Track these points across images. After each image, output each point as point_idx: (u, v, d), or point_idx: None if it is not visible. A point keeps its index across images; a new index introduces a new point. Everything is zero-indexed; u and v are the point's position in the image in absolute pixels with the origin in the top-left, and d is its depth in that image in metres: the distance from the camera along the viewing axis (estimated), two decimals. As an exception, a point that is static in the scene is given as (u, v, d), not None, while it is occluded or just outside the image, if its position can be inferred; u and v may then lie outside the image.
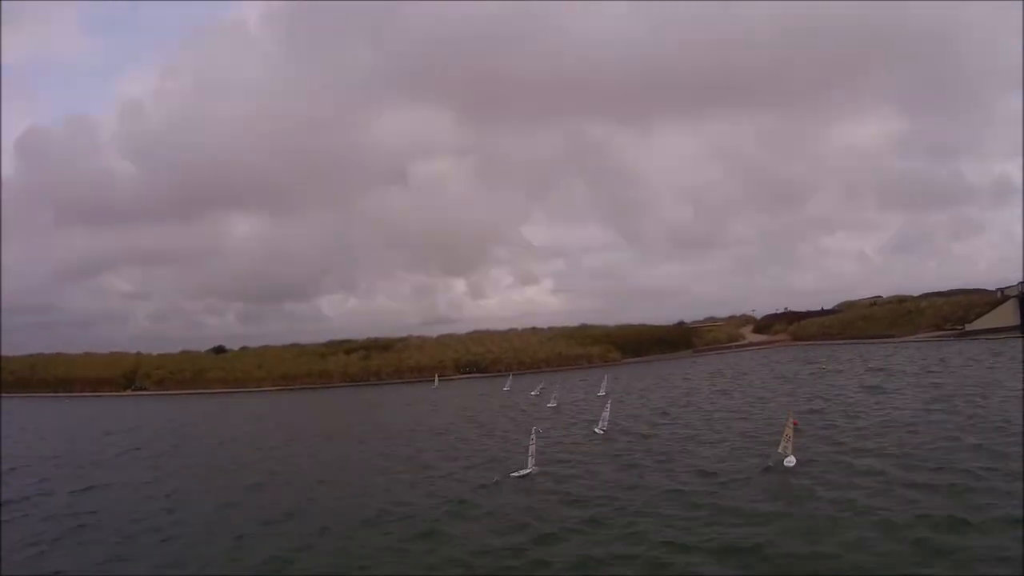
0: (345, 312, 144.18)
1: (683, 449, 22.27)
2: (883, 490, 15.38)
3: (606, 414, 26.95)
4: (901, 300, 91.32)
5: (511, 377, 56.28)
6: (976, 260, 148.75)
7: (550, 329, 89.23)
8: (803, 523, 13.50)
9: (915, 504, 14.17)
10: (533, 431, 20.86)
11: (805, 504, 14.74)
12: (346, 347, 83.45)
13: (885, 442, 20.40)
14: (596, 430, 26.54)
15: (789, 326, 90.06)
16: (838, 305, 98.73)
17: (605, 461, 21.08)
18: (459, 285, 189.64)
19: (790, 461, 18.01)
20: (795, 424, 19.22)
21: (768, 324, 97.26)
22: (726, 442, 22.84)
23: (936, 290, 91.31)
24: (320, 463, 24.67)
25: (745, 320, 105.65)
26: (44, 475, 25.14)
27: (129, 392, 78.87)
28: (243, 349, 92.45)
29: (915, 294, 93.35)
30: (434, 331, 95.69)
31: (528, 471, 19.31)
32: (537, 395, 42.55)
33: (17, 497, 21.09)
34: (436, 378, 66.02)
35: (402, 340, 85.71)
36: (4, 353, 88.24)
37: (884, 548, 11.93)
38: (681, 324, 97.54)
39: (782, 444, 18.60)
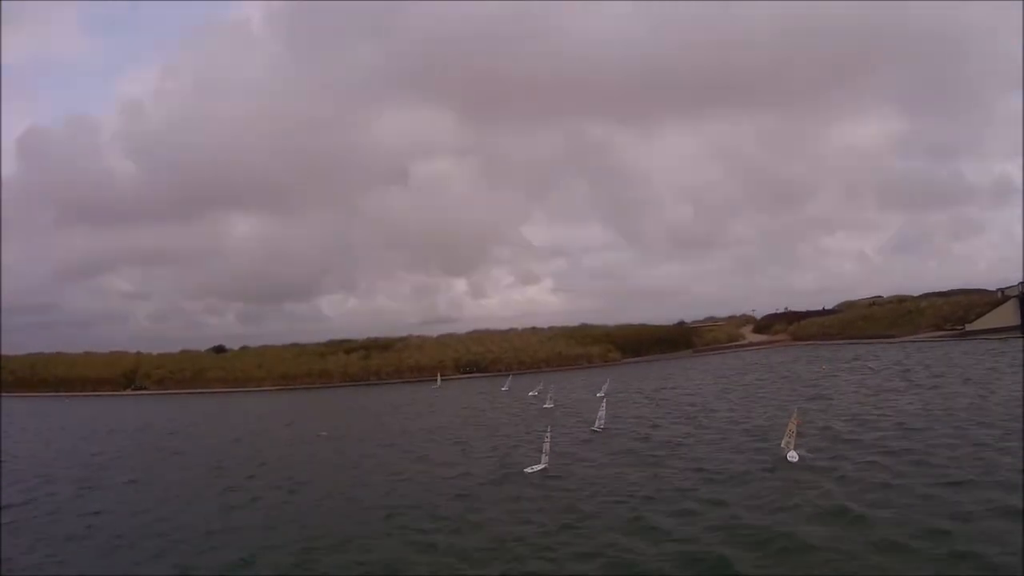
0: (345, 312, 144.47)
1: (686, 446, 22.35)
2: (887, 484, 15.50)
3: (602, 412, 27.34)
4: (901, 300, 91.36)
5: (510, 377, 56.15)
6: (976, 260, 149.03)
7: (550, 329, 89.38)
8: (808, 516, 13.66)
9: (919, 498, 14.30)
10: (548, 428, 21.19)
11: (810, 499, 14.84)
12: (346, 347, 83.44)
13: (888, 439, 20.52)
14: (594, 428, 26.80)
15: (789, 326, 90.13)
16: (838, 305, 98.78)
17: (608, 458, 21.16)
18: (459, 285, 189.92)
19: (793, 457, 18.20)
20: (798, 424, 19.38)
21: (768, 324, 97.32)
22: (728, 439, 22.96)
23: (936, 290, 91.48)
24: (328, 463, 24.47)
25: (745, 320, 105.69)
26: (48, 476, 24.94)
27: (129, 391, 78.89)
28: (243, 349, 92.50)
29: (915, 294, 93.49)
30: (434, 331, 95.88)
31: (542, 467, 19.58)
32: (536, 395, 42.47)
33: (22, 499, 20.80)
34: (439, 378, 66.07)
35: (402, 340, 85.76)
36: (4, 353, 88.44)
37: (889, 541, 12.04)
38: (681, 324, 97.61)
39: (785, 440, 18.80)
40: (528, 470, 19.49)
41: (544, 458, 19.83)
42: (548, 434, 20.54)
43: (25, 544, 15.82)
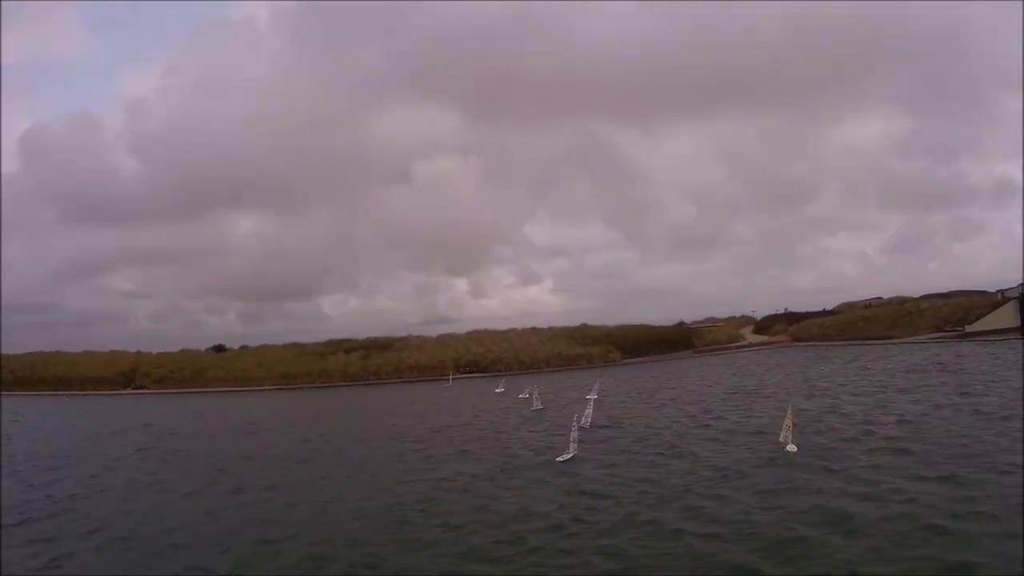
0: (346, 312, 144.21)
1: (690, 436, 23.58)
2: (878, 469, 16.48)
3: (589, 411, 28.61)
4: (902, 301, 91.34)
5: (505, 379, 55.03)
6: (976, 261, 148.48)
7: (550, 329, 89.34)
8: (808, 496, 14.86)
9: (908, 482, 15.31)
10: (574, 420, 22.92)
11: (807, 484, 15.91)
12: (346, 346, 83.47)
13: (882, 432, 21.26)
14: (581, 424, 27.28)
15: (789, 327, 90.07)
16: (838, 306, 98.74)
17: (600, 450, 22.14)
18: (461, 284, 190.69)
19: (791, 448, 19.28)
20: (795, 424, 20.72)
21: (768, 325, 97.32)
22: (733, 430, 24.12)
23: (936, 291, 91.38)
24: (356, 461, 24.22)
25: (745, 321, 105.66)
26: (61, 476, 24.41)
27: (129, 391, 78.86)
28: (243, 348, 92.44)
29: (915, 295, 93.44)
30: (435, 331, 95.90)
31: (571, 455, 20.98)
32: (525, 397, 41.56)
33: (37, 499, 20.38)
34: (451, 377, 66.03)
35: (402, 340, 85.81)
36: (4, 352, 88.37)
37: (872, 520, 12.91)
38: (681, 324, 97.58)
39: (783, 434, 19.84)
40: (559, 459, 20.86)
41: (573, 447, 21.29)
42: (575, 426, 22.07)
43: (39, 546, 15.46)
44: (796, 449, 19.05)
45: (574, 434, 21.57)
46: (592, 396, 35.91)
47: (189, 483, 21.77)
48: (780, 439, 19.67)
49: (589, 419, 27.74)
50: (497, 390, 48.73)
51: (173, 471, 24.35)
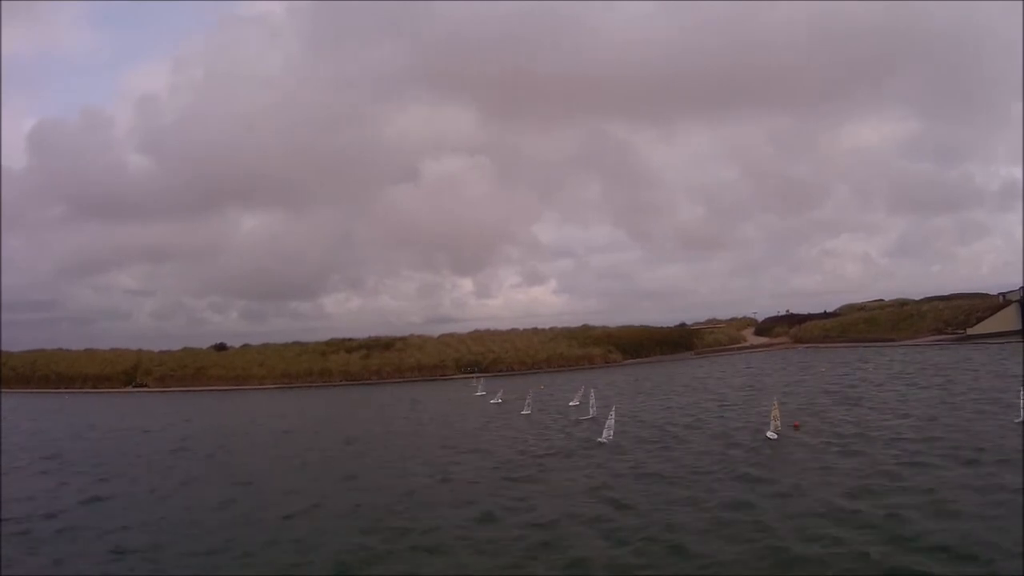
0: (349, 311, 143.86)
1: (693, 429, 25.78)
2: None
3: (593, 402, 31.24)
4: (902, 303, 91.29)
5: (482, 381, 52.57)
6: (979, 264, 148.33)
7: (551, 329, 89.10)
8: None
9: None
10: (613, 408, 25.72)
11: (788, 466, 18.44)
12: (347, 346, 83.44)
13: (870, 427, 23.05)
14: (588, 417, 30.05)
15: (790, 329, 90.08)
16: (840, 308, 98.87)
17: (630, 443, 24.13)
18: (466, 284, 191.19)
19: (772, 435, 22.01)
20: (796, 426, 23.44)
21: (769, 327, 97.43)
22: (734, 420, 26.48)
23: (939, 293, 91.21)
24: (388, 462, 24.40)
25: (747, 322, 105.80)
26: (84, 479, 23.81)
27: (130, 388, 78.99)
28: (244, 347, 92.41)
29: (917, 297, 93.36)
30: (437, 330, 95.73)
31: (604, 440, 24.14)
32: (499, 402, 41.02)
33: (67, 503, 19.92)
34: (476, 377, 63.88)
35: (403, 339, 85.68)
36: (5, 349, 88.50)
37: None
38: (683, 326, 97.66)
39: (772, 424, 22.40)
40: (600, 439, 24.30)
41: (608, 433, 24.35)
42: (612, 413, 25.00)
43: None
44: (777, 437, 21.77)
45: (611, 421, 24.49)
46: (576, 402, 35.72)
47: (236, 488, 21.09)
48: (769, 431, 22.10)
49: (595, 410, 30.48)
50: (478, 393, 46.62)
51: (210, 475, 23.56)
